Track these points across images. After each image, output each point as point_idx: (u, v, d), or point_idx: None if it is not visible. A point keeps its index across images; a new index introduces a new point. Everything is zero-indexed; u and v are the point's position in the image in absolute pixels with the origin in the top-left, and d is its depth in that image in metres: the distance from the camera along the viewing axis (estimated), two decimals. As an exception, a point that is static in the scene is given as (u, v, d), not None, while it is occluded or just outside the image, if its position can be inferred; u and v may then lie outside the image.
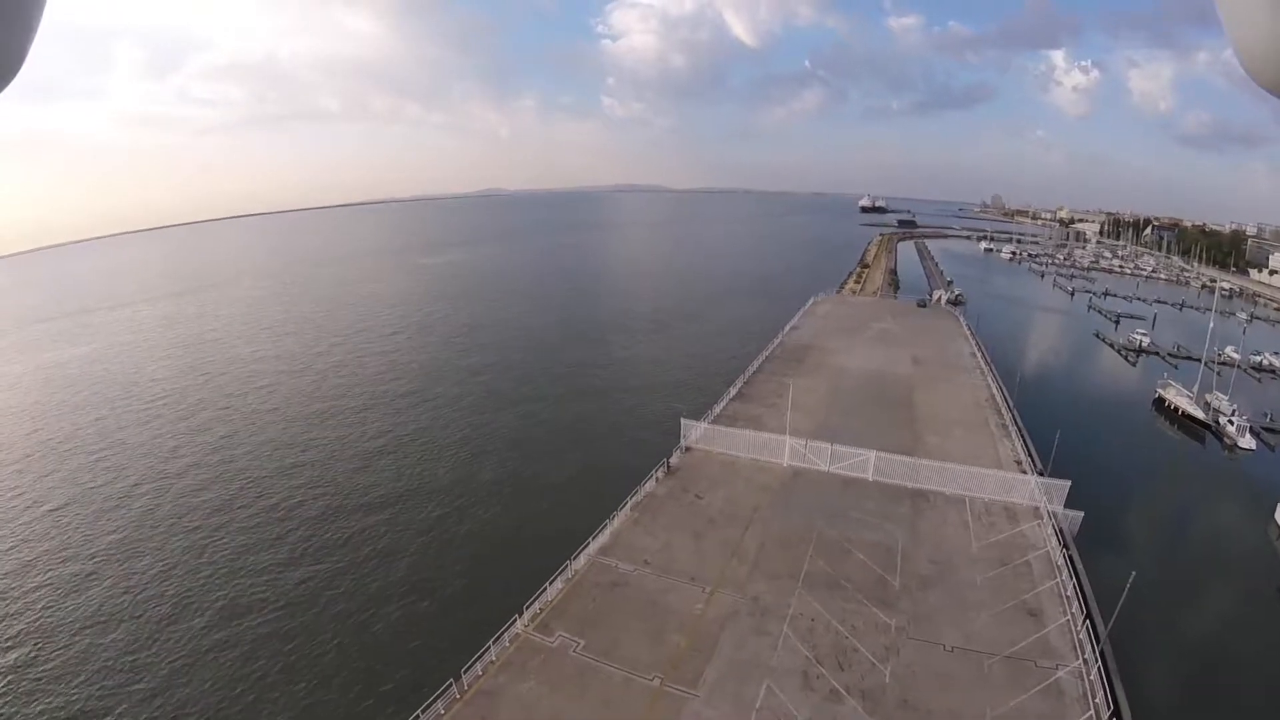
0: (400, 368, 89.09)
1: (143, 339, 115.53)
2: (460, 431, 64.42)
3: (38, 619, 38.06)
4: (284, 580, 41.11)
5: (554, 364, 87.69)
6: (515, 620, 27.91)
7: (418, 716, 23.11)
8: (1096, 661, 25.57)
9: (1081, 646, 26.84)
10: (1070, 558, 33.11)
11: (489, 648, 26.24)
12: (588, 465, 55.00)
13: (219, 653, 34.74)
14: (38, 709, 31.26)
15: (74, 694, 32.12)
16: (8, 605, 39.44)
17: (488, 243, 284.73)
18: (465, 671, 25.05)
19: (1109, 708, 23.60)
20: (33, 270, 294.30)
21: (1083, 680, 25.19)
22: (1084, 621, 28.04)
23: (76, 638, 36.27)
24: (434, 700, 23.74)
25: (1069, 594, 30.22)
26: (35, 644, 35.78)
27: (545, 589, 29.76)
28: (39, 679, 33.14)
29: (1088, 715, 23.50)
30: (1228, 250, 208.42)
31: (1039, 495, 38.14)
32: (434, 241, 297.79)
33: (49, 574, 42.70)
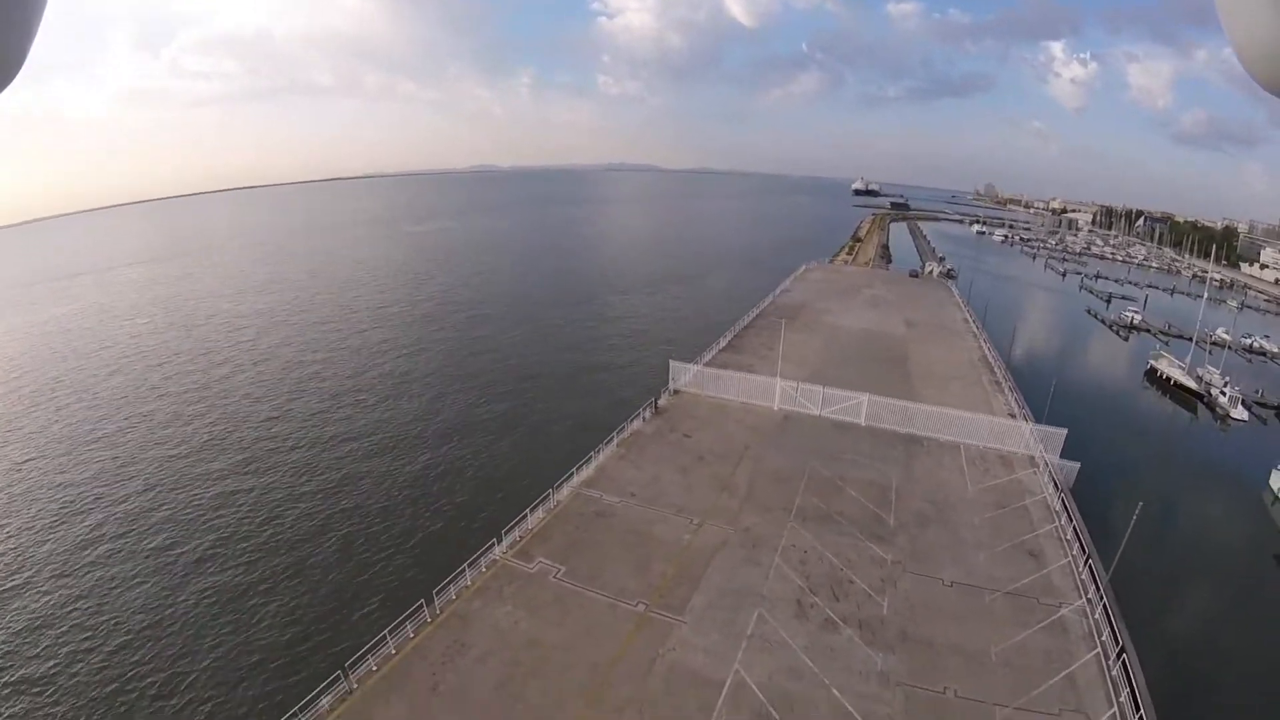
0: (397, 319, 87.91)
1: (127, 299, 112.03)
2: (444, 378, 62.59)
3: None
4: (259, 501, 39.82)
5: (544, 319, 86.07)
6: (493, 545, 26.30)
7: (384, 637, 21.48)
8: (1102, 599, 24.42)
9: (1084, 586, 25.72)
10: (1068, 505, 32.00)
11: (464, 571, 24.62)
12: (573, 411, 53.47)
13: (198, 576, 33.17)
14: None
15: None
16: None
17: (481, 213, 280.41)
18: (438, 594, 23.42)
19: (1116, 644, 22.48)
20: (28, 240, 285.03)
21: (1087, 618, 24.06)
22: (1085, 563, 26.91)
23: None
24: (402, 620, 22.11)
25: (1069, 537, 29.12)
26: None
27: (525, 516, 28.15)
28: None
29: (1095, 652, 22.37)
30: (1219, 243, 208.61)
31: (1035, 444, 37.03)
32: (427, 212, 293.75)
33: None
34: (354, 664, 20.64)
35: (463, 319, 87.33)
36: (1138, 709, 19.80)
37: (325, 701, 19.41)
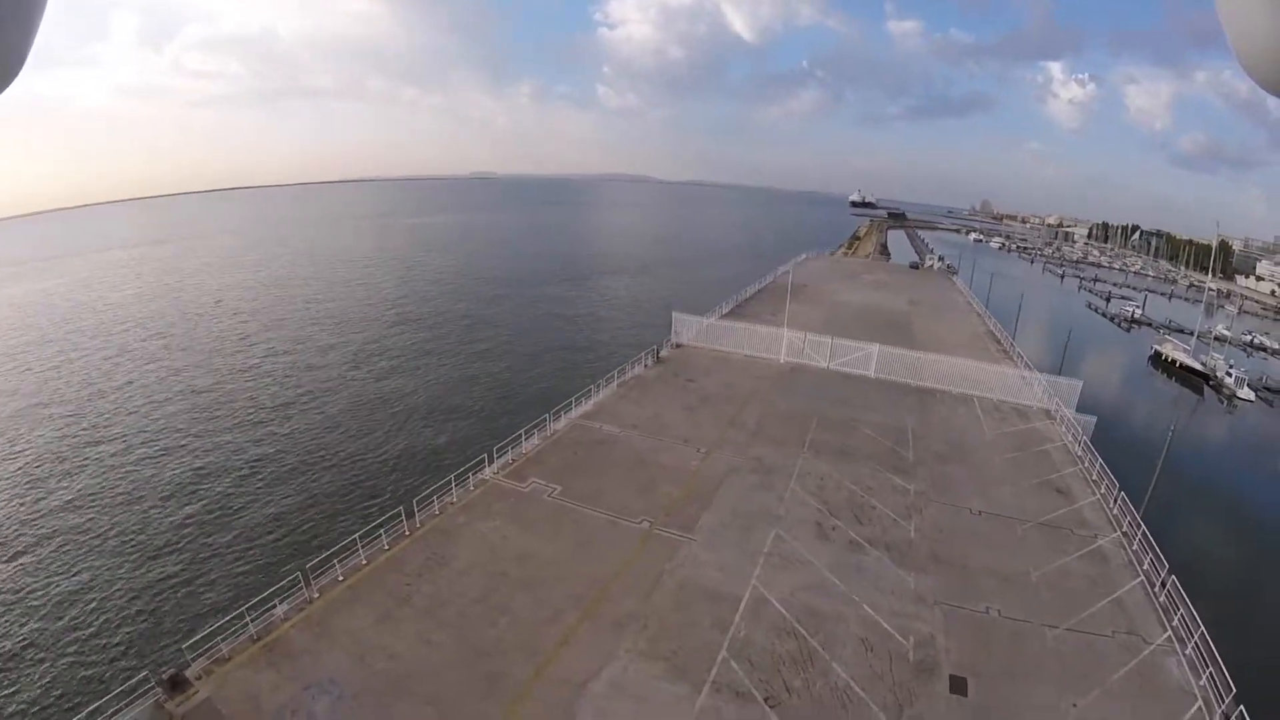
0: (407, 290, 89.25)
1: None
2: (433, 338, 60.99)
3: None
4: (247, 425, 38.43)
5: (545, 293, 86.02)
6: (483, 465, 24.23)
7: (355, 544, 19.31)
8: (1140, 528, 22.60)
9: (1118, 521, 23.93)
10: (1090, 449, 30.29)
11: (450, 486, 22.51)
12: (570, 365, 52.98)
13: (188, 501, 31.47)
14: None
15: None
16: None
17: (489, 211, 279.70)
18: (420, 507, 21.32)
19: (1159, 572, 20.65)
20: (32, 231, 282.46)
21: (1125, 550, 22.26)
22: (1115, 500, 25.11)
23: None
24: (376, 529, 19.96)
25: (1094, 478, 27.37)
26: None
27: (520, 439, 26.11)
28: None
29: (1138, 580, 20.55)
30: (1215, 255, 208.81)
31: (1049, 397, 35.38)
32: (438, 208, 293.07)
33: None
34: (318, 571, 18.49)
35: (461, 291, 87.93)
36: (1191, 633, 18.00)
37: (280, 609, 17.12)
